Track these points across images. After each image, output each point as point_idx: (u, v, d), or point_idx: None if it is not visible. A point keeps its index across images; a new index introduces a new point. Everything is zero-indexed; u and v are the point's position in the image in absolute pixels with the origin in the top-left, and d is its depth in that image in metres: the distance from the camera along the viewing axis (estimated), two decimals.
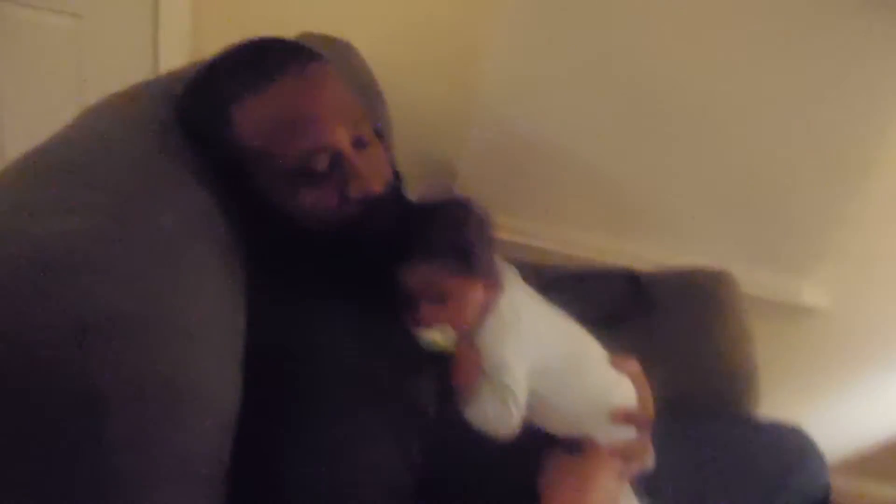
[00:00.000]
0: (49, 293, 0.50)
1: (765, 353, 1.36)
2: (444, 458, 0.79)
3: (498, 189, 1.59)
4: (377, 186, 0.77)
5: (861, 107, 1.42)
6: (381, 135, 0.87)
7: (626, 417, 0.88)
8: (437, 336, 0.79)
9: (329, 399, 0.72)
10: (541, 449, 0.85)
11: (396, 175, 0.87)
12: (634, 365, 0.95)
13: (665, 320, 1.26)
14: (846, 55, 1.37)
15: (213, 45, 0.86)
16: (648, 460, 0.93)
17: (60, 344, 0.48)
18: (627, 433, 0.88)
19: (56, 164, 0.66)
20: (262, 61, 0.77)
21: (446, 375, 0.82)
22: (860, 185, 1.49)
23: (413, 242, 0.79)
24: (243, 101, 0.75)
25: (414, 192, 0.94)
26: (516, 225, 1.59)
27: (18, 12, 1.52)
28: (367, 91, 1.18)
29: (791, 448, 1.13)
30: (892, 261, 1.61)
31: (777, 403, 1.35)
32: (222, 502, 0.66)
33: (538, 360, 0.83)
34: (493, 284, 0.84)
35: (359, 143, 0.78)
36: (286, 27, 1.12)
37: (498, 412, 0.79)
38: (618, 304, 1.27)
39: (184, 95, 0.82)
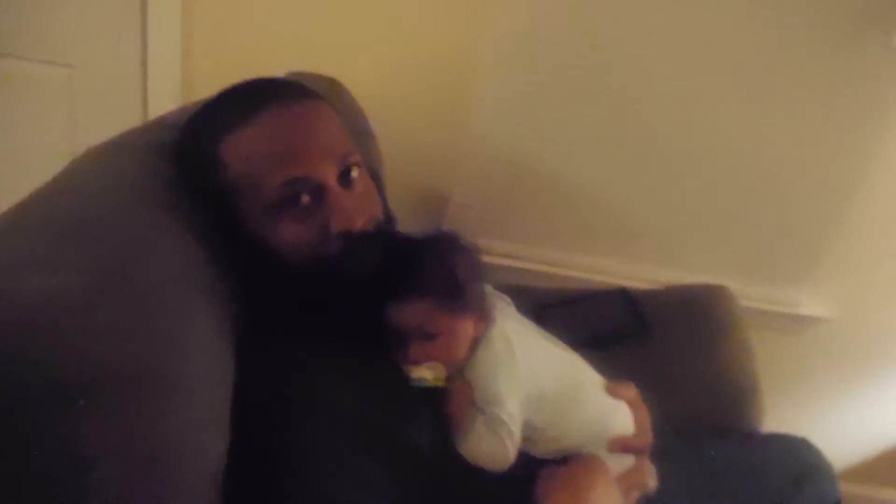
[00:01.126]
0: (33, 355, 0.50)
1: (767, 365, 1.36)
2: (443, 495, 0.79)
3: (492, 215, 1.60)
4: (360, 223, 0.76)
5: (852, 121, 1.43)
6: (375, 177, 0.87)
7: (623, 446, 0.87)
8: (427, 373, 0.79)
9: (322, 446, 0.71)
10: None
11: (389, 218, 0.87)
12: (631, 390, 0.94)
13: (662, 339, 1.26)
14: (838, 73, 1.39)
15: (203, 89, 0.87)
16: (651, 483, 0.93)
17: (45, 406, 0.49)
18: (626, 461, 0.88)
19: (40, 218, 0.66)
20: (251, 96, 0.78)
21: (440, 411, 0.82)
22: (854, 196, 1.50)
23: (400, 280, 0.79)
24: (230, 134, 0.75)
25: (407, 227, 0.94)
26: (511, 249, 1.60)
27: (10, 64, 1.53)
28: (356, 129, 1.19)
29: (799, 461, 1.12)
30: (891, 266, 1.62)
31: (782, 415, 1.34)
32: None
33: (532, 391, 0.82)
34: (484, 317, 0.83)
35: (346, 181, 0.78)
36: (276, 69, 1.13)
37: (492, 445, 0.79)
38: (613, 325, 1.26)
39: (181, 137, 0.83)
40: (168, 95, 1.48)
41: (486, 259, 1.59)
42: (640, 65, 1.41)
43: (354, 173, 0.79)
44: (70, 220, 0.66)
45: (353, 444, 0.73)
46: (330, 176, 0.76)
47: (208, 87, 0.90)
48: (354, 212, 0.76)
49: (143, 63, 1.48)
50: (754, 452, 1.13)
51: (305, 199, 0.75)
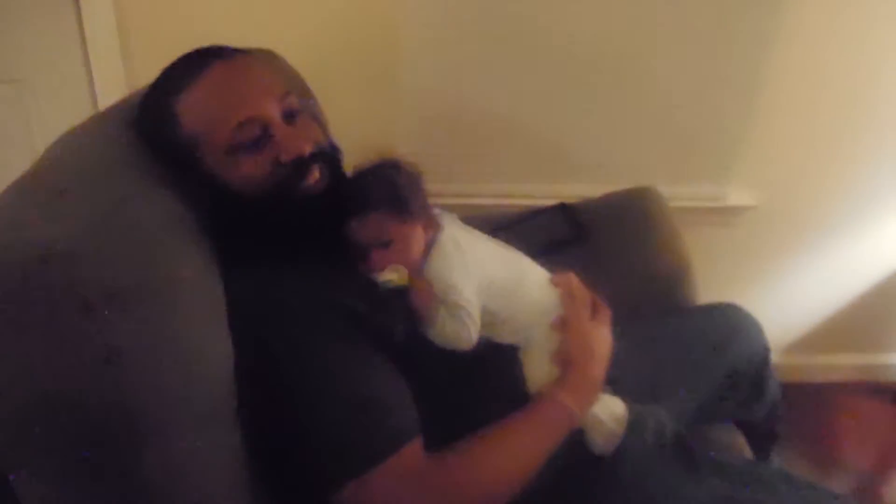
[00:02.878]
0: (54, 279, 0.61)
1: (704, 257, 1.49)
2: (423, 378, 0.91)
3: (437, 159, 1.69)
4: (307, 149, 0.88)
5: (750, 13, 1.56)
6: (314, 115, 0.99)
7: (563, 324, 1.01)
8: (391, 276, 0.92)
9: (320, 342, 0.83)
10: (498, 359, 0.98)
11: (334, 146, 0.99)
12: (572, 277, 1.08)
13: (600, 240, 1.39)
14: None
15: (148, 79, 0.97)
16: None
17: (69, 317, 0.61)
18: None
19: (34, 188, 0.77)
20: (194, 59, 0.89)
21: (409, 308, 0.93)
22: (761, 87, 1.64)
23: (352, 199, 0.91)
24: (181, 94, 0.87)
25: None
26: (459, 188, 1.71)
27: None
28: (295, 87, 1.29)
29: (728, 319, 1.27)
30: (803, 147, 1.77)
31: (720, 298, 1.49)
32: (239, 444, 0.78)
33: (483, 280, 0.96)
34: (431, 224, 0.97)
35: (289, 116, 0.90)
36: None
37: (455, 328, 0.92)
38: (556, 235, 1.40)
39: (139, 110, 0.94)
40: (115, 90, 1.56)
41: (437, 201, 1.72)
42: None
43: (295, 109, 0.91)
44: (61, 185, 0.77)
45: (342, 334, 0.84)
46: (274, 114, 0.88)
47: (152, 76, 1.00)
48: (301, 140, 0.88)
49: (87, 65, 1.57)
50: (689, 320, 1.28)
51: (256, 135, 0.86)
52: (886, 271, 1.97)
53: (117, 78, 1.58)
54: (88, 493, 0.61)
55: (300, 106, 0.92)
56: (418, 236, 0.94)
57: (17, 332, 0.59)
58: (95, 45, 1.57)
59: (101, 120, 0.99)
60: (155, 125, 0.90)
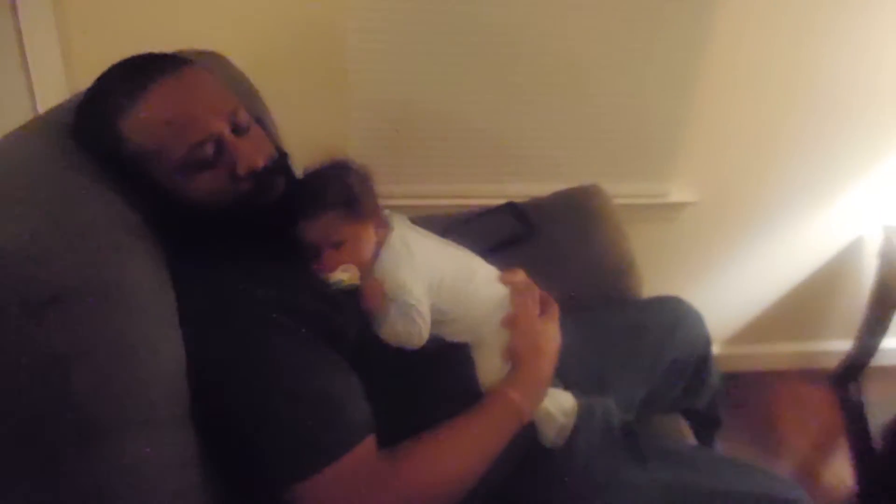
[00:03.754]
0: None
1: (648, 250, 1.54)
2: (375, 377, 0.92)
3: (386, 160, 1.72)
4: (260, 162, 0.89)
5: (682, 18, 1.62)
6: (260, 122, 0.99)
7: (513, 321, 1.03)
8: (343, 275, 0.92)
9: (271, 341, 0.83)
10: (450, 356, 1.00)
11: (281, 152, 0.99)
12: (520, 274, 1.10)
13: (548, 237, 1.42)
14: None
15: (89, 78, 0.95)
16: None
17: (12, 318, 0.60)
18: None
19: None
20: (137, 73, 0.86)
21: (360, 307, 0.94)
22: (696, 87, 1.70)
23: (305, 200, 0.92)
24: (127, 111, 0.84)
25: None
26: (408, 189, 1.73)
27: None
28: (241, 91, 1.29)
29: (671, 311, 1.32)
30: (740, 145, 1.83)
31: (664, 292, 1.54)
32: (192, 443, 0.78)
33: (434, 279, 0.97)
34: (381, 224, 0.98)
35: (238, 130, 0.89)
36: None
37: (406, 327, 0.93)
38: (505, 233, 1.42)
39: (75, 122, 0.90)
40: (55, 92, 1.53)
41: (387, 202, 1.73)
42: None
43: (244, 122, 0.90)
44: (2, 188, 0.75)
45: (296, 337, 0.84)
46: (225, 129, 0.87)
47: (93, 73, 0.97)
48: (254, 152, 0.88)
49: (25, 66, 1.52)
50: (635, 313, 1.33)
51: (211, 154, 0.86)
52: (819, 263, 2.06)
53: (57, 80, 1.55)
54: (40, 497, 0.60)
55: (250, 119, 0.92)
56: (369, 236, 0.95)
57: None
58: (34, 45, 1.53)
59: (43, 124, 0.97)
60: (98, 141, 0.87)
